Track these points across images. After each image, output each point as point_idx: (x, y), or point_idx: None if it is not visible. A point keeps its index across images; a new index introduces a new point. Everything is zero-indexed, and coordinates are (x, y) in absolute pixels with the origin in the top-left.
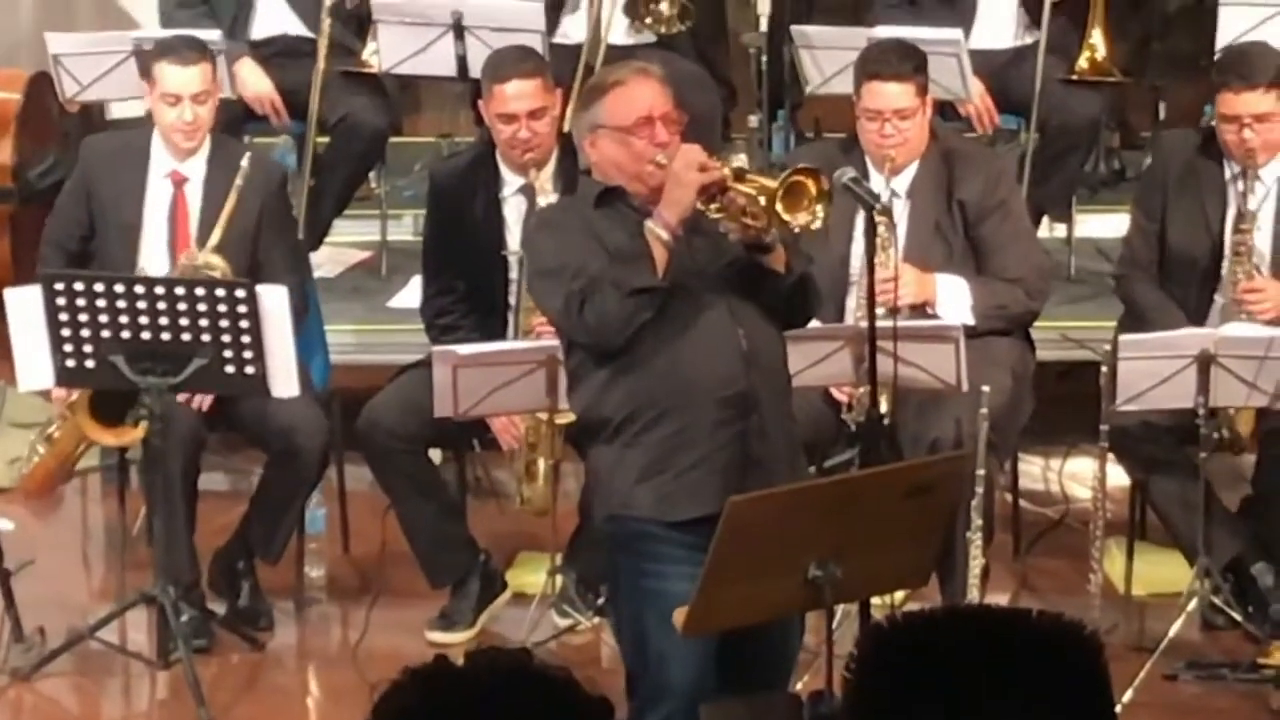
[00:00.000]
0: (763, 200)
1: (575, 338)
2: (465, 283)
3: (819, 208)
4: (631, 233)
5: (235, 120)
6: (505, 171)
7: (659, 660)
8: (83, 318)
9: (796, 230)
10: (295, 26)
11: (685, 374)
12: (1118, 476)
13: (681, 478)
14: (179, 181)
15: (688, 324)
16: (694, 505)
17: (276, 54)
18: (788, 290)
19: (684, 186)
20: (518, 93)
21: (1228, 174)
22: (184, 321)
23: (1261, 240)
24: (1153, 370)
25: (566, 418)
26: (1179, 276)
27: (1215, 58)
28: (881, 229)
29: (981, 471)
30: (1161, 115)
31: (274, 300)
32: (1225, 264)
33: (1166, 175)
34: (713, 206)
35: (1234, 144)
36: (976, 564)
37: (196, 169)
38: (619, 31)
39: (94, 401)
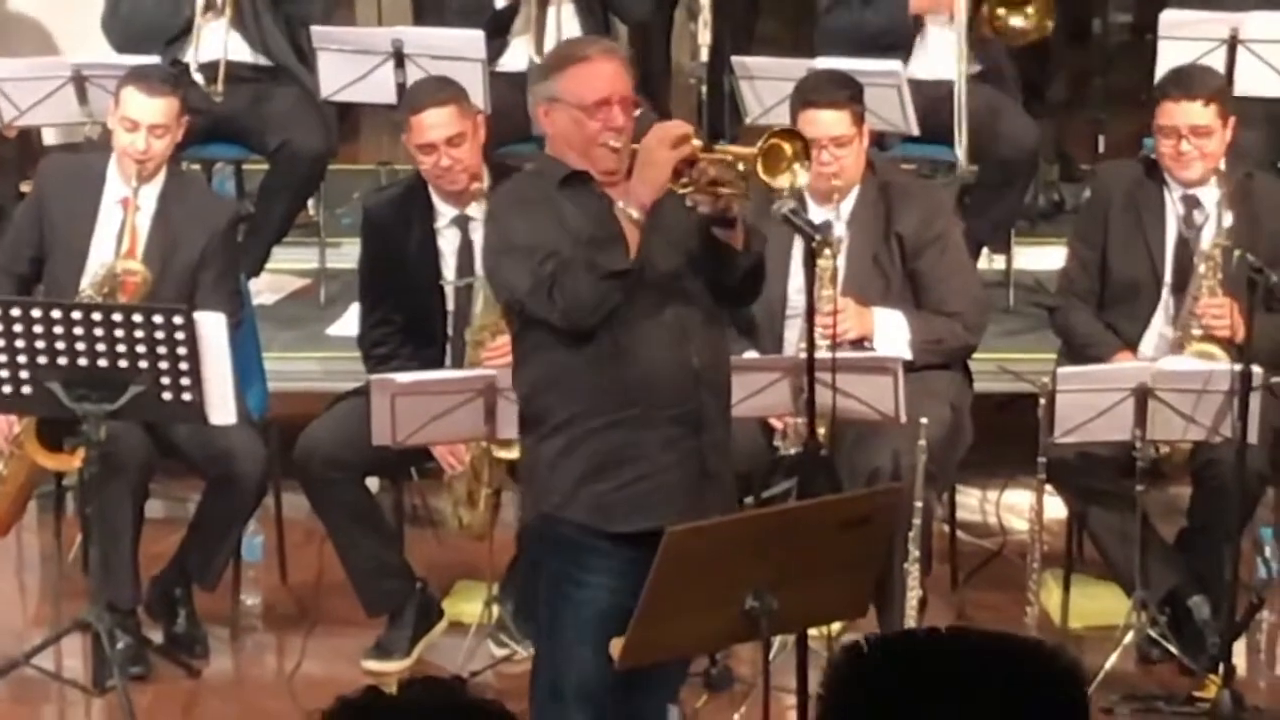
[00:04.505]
0: (742, 166)
1: (545, 318)
2: (403, 315)
3: (798, 166)
4: (593, 217)
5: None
6: (438, 202)
7: (567, 665)
8: (19, 344)
9: (785, 192)
10: (241, 52)
11: (637, 387)
12: (1055, 509)
13: (624, 489)
14: (130, 209)
15: (641, 336)
16: (636, 518)
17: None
18: (744, 270)
19: (657, 165)
20: (434, 121)
21: (1169, 199)
22: (121, 348)
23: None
24: (1090, 403)
25: (506, 450)
26: (1119, 304)
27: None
28: (823, 260)
29: (919, 503)
30: (1101, 148)
31: (211, 327)
32: (1167, 280)
33: (1108, 204)
34: (681, 180)
35: (1170, 157)
36: (914, 595)
37: (149, 198)
38: None
39: (40, 428)
